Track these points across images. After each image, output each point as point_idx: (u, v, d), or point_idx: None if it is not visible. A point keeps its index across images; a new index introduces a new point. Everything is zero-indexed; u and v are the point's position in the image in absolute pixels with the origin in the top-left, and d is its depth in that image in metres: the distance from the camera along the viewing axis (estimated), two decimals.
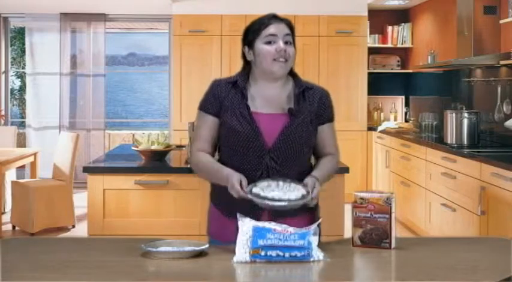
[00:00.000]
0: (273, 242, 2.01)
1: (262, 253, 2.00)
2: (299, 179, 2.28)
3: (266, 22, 2.32)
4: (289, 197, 2.14)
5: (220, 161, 2.38)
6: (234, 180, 2.20)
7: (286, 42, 2.30)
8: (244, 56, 2.39)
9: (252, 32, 2.34)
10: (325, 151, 2.43)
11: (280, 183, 2.17)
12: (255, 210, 2.23)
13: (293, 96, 2.35)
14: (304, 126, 2.31)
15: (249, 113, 2.30)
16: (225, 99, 2.34)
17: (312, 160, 2.45)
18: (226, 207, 2.35)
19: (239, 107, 2.31)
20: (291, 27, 2.35)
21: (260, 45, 2.31)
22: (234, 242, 2.06)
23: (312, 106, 2.36)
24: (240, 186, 2.19)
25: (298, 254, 2.00)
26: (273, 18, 2.34)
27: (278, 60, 2.29)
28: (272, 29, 2.30)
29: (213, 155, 2.41)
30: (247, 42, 2.35)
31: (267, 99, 2.34)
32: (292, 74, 2.40)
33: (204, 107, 2.38)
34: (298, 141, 2.30)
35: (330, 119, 2.42)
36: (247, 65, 2.39)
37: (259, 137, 2.28)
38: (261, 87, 2.35)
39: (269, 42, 2.29)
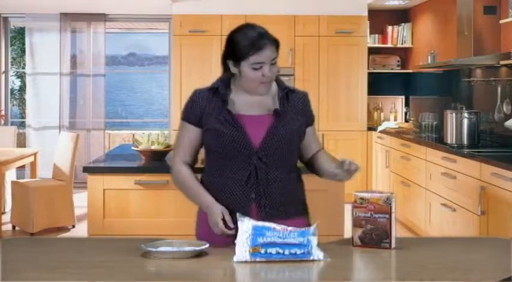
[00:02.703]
0: (273, 240, 2.01)
1: (262, 251, 2.00)
2: (286, 180, 2.32)
3: (255, 48, 2.24)
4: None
5: (207, 167, 2.39)
6: (216, 216, 2.25)
7: (272, 64, 2.29)
8: (224, 61, 2.37)
9: (239, 52, 2.28)
10: (313, 149, 2.46)
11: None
12: (244, 211, 2.23)
13: (277, 98, 2.37)
14: (290, 126, 2.33)
15: (232, 117, 2.31)
16: (206, 107, 2.35)
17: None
18: None
19: (221, 113, 2.32)
20: (277, 42, 2.31)
21: (246, 68, 2.28)
22: (223, 245, 2.08)
23: (296, 108, 2.38)
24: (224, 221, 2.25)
25: (298, 252, 2.00)
26: (260, 41, 2.25)
27: (264, 82, 2.30)
28: (260, 57, 2.25)
29: (192, 164, 2.43)
30: (233, 58, 2.31)
31: (252, 102, 2.36)
32: None
33: (185, 116, 2.40)
34: (284, 141, 2.31)
35: (313, 120, 2.47)
36: (228, 70, 2.37)
37: (246, 138, 2.29)
38: (244, 93, 2.36)
39: (256, 68, 2.27)
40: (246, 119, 2.32)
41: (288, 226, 2.08)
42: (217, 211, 2.26)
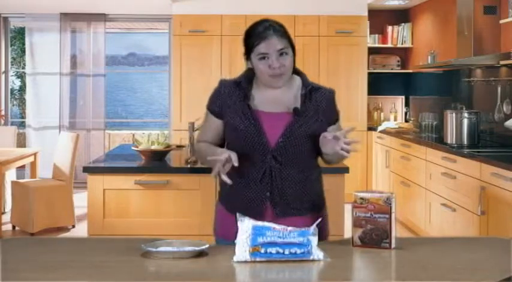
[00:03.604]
0: (273, 239, 2.01)
1: (262, 250, 2.00)
2: (302, 179, 2.31)
3: (259, 37, 2.26)
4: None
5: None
6: (221, 152, 2.21)
7: (281, 54, 2.27)
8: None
9: (247, 45, 2.31)
10: None
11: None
12: (258, 209, 2.26)
13: (299, 95, 2.35)
14: (308, 126, 2.31)
15: (251, 112, 2.30)
16: (228, 99, 2.35)
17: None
18: (234, 206, 2.35)
19: (241, 107, 2.32)
20: (286, 34, 2.31)
21: (255, 60, 2.29)
22: None
23: (319, 107, 2.35)
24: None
25: (298, 251, 2.00)
26: (266, 31, 2.27)
27: (274, 75, 2.28)
28: (263, 47, 2.26)
29: None
30: (246, 52, 2.33)
31: (272, 99, 2.34)
32: (298, 72, 2.40)
33: (209, 105, 2.41)
34: (301, 140, 2.29)
35: (336, 119, 2.43)
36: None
37: (262, 135, 2.28)
38: (265, 88, 2.35)
39: (263, 58, 2.27)
40: (265, 116, 2.31)
41: (302, 222, 2.08)
42: (223, 151, 2.22)
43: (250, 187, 2.31)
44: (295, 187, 2.32)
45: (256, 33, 2.28)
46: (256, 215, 2.22)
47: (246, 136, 2.28)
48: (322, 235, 2.35)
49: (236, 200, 2.34)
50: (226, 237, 2.31)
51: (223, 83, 2.40)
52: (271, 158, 2.28)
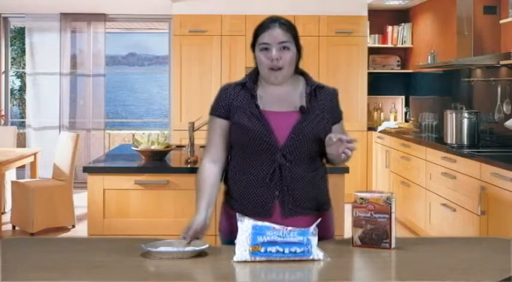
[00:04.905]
0: (273, 239, 2.01)
1: (262, 250, 2.00)
2: (310, 177, 2.31)
3: (263, 27, 2.31)
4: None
5: (232, 164, 2.39)
6: (189, 225, 2.28)
7: (283, 48, 2.29)
8: None
9: (253, 36, 2.35)
10: None
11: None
12: (267, 208, 2.27)
13: (304, 94, 2.36)
14: (315, 124, 2.32)
15: (259, 112, 2.31)
16: (233, 101, 2.35)
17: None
18: (242, 205, 2.34)
19: (249, 107, 2.32)
20: (292, 30, 2.33)
21: (257, 52, 2.33)
22: None
23: (324, 105, 2.37)
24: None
25: (298, 250, 2.00)
26: (271, 23, 2.31)
27: (273, 69, 2.30)
28: (266, 37, 2.29)
29: (225, 160, 2.42)
30: (252, 44, 2.37)
31: (278, 98, 2.35)
32: (302, 73, 2.42)
33: (213, 111, 2.40)
34: (309, 138, 2.30)
35: (340, 118, 2.48)
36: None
37: (271, 134, 2.28)
38: (270, 87, 2.37)
39: (265, 49, 2.30)
40: (272, 115, 2.32)
41: (308, 222, 2.08)
42: (190, 223, 2.29)
43: (259, 187, 2.31)
44: (303, 186, 2.32)
45: (262, 25, 2.32)
46: (265, 215, 2.23)
47: (255, 136, 2.29)
48: (328, 234, 2.36)
49: (245, 199, 2.33)
50: (231, 236, 2.31)
51: (226, 87, 2.41)
52: (280, 156, 2.28)
